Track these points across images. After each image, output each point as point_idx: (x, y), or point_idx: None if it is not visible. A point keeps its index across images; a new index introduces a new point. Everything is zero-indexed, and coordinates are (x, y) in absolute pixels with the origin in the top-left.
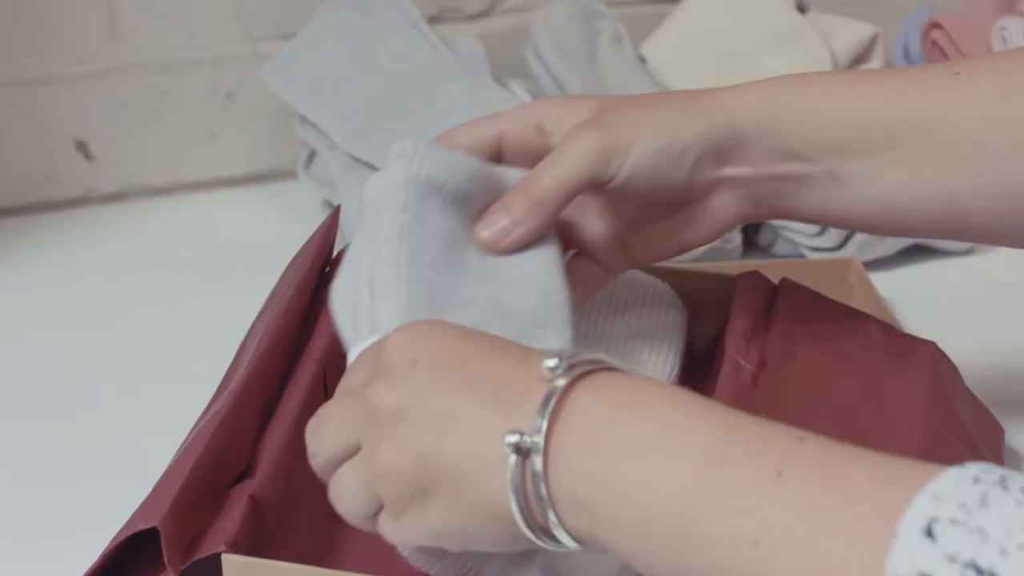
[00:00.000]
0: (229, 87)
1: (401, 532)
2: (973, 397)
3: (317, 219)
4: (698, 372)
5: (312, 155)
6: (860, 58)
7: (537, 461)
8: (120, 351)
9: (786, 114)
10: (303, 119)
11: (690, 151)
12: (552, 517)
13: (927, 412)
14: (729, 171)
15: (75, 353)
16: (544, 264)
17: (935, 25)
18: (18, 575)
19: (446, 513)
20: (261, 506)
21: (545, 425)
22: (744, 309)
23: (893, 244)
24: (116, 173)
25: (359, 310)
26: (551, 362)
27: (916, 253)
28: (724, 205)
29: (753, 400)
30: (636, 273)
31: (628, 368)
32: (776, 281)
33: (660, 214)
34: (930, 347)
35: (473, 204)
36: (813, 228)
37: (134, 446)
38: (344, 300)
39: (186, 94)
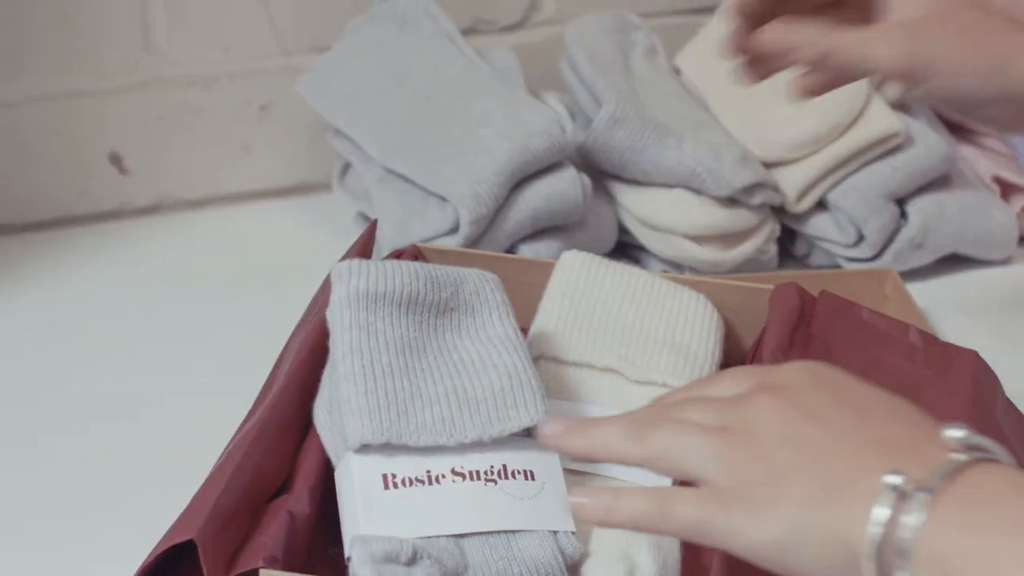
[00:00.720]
0: (263, 100)
1: (735, 518)
2: (1013, 407)
3: (352, 231)
4: None
5: (346, 167)
6: None
7: (917, 511)
8: (155, 364)
9: None
10: (337, 131)
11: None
12: (902, 570)
13: (969, 421)
14: None
15: (109, 366)
16: (506, 349)
17: None
18: None
19: (794, 518)
20: (298, 521)
21: (939, 483)
22: (780, 320)
23: (930, 254)
24: (150, 186)
25: (334, 427)
26: (958, 433)
27: (953, 263)
28: None
29: None
30: (674, 284)
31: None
32: (812, 291)
33: None
34: (971, 356)
35: (426, 301)
36: (849, 239)
37: (170, 459)
38: (321, 418)
39: (220, 107)
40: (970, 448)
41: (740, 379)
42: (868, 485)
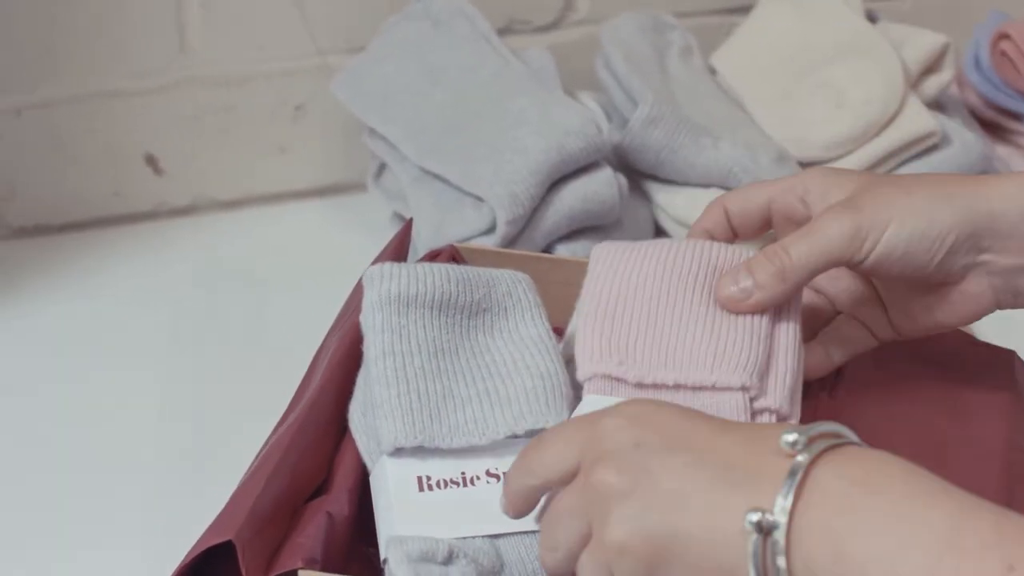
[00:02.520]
0: (298, 100)
1: None
2: None
3: (387, 231)
4: None
5: (382, 167)
6: (931, 68)
7: (780, 538)
8: (191, 364)
9: None
10: (372, 131)
11: (945, 239)
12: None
13: (1008, 421)
14: (986, 257)
15: (145, 367)
16: (538, 351)
17: (1004, 35)
18: None
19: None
20: (337, 522)
21: (790, 503)
22: None
23: None
24: (186, 187)
25: (368, 429)
26: (790, 436)
27: None
28: (981, 291)
29: (831, 407)
30: None
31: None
32: None
33: (915, 290)
34: (1010, 355)
35: (458, 303)
36: None
37: (205, 461)
38: (356, 420)
39: (255, 108)
40: (811, 442)
41: (566, 454)
42: (732, 531)
